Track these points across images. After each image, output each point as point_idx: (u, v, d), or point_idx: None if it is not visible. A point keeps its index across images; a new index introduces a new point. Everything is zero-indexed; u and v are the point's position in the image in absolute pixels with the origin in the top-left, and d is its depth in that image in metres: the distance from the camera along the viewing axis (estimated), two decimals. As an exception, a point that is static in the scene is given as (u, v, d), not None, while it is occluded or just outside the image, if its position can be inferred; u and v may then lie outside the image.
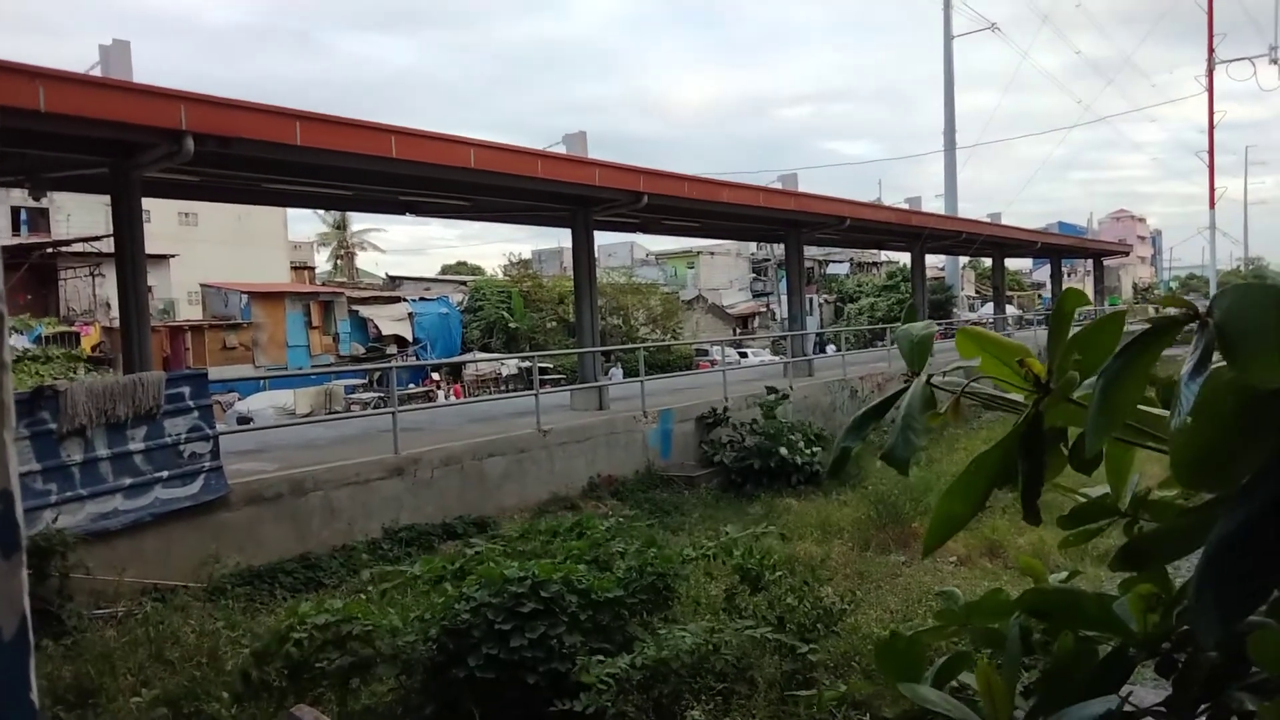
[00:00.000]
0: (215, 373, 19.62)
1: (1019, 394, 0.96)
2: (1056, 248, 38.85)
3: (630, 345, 27.17)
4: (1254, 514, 0.64)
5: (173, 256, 34.50)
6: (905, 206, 27.22)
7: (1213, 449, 0.68)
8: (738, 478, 13.71)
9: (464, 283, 42.24)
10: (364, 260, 58.52)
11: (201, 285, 34.07)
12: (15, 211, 34.63)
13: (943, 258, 44.97)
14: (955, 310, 43.28)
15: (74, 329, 27.65)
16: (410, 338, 33.37)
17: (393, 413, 11.09)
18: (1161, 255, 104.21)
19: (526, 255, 50.03)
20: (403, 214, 16.62)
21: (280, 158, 10.80)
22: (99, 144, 9.73)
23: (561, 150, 14.89)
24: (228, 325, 30.78)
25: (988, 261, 38.98)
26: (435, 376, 28.99)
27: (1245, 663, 0.91)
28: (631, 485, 13.13)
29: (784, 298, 24.61)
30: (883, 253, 48.04)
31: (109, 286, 26.65)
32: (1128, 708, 0.97)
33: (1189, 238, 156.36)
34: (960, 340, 0.99)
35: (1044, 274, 55.49)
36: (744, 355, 31.82)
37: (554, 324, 35.51)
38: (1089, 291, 44.71)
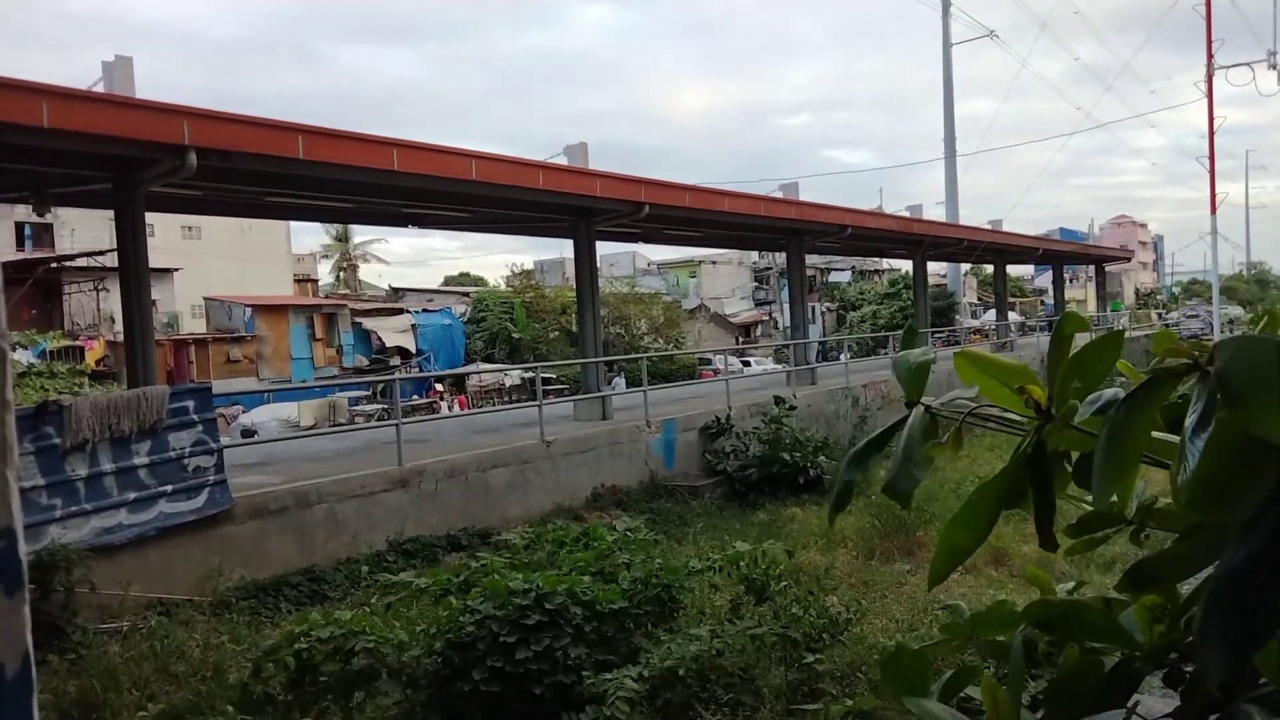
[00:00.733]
0: (219, 386, 19.61)
1: (1020, 416, 0.96)
2: (1058, 254, 38.83)
3: (633, 355, 27.17)
4: (1259, 547, 0.64)
5: (176, 270, 34.60)
6: (906, 214, 27.26)
7: (1215, 484, 0.68)
8: (741, 487, 13.69)
9: (467, 294, 42.31)
10: (367, 272, 58.70)
11: (205, 298, 34.13)
12: (20, 227, 34.76)
13: (944, 265, 44.99)
14: (957, 317, 43.23)
15: (78, 343, 27.69)
16: (414, 349, 33.40)
17: (397, 424, 11.10)
18: (1163, 261, 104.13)
19: (529, 266, 50.13)
20: (405, 226, 16.69)
21: (283, 171, 10.84)
22: (102, 159, 9.77)
23: (562, 161, 14.93)
24: (231, 338, 30.83)
25: (989, 268, 38.97)
26: (439, 388, 29.00)
27: (1254, 673, 0.91)
28: (635, 495, 13.11)
29: (786, 306, 24.61)
30: (885, 260, 48.00)
31: (113, 301, 26.69)
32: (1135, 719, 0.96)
33: (1191, 243, 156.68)
34: (959, 364, 0.98)
35: (1046, 280, 55.43)
36: (747, 364, 31.82)
37: (556, 334, 35.53)
38: (1091, 298, 44.66)
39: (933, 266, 37.05)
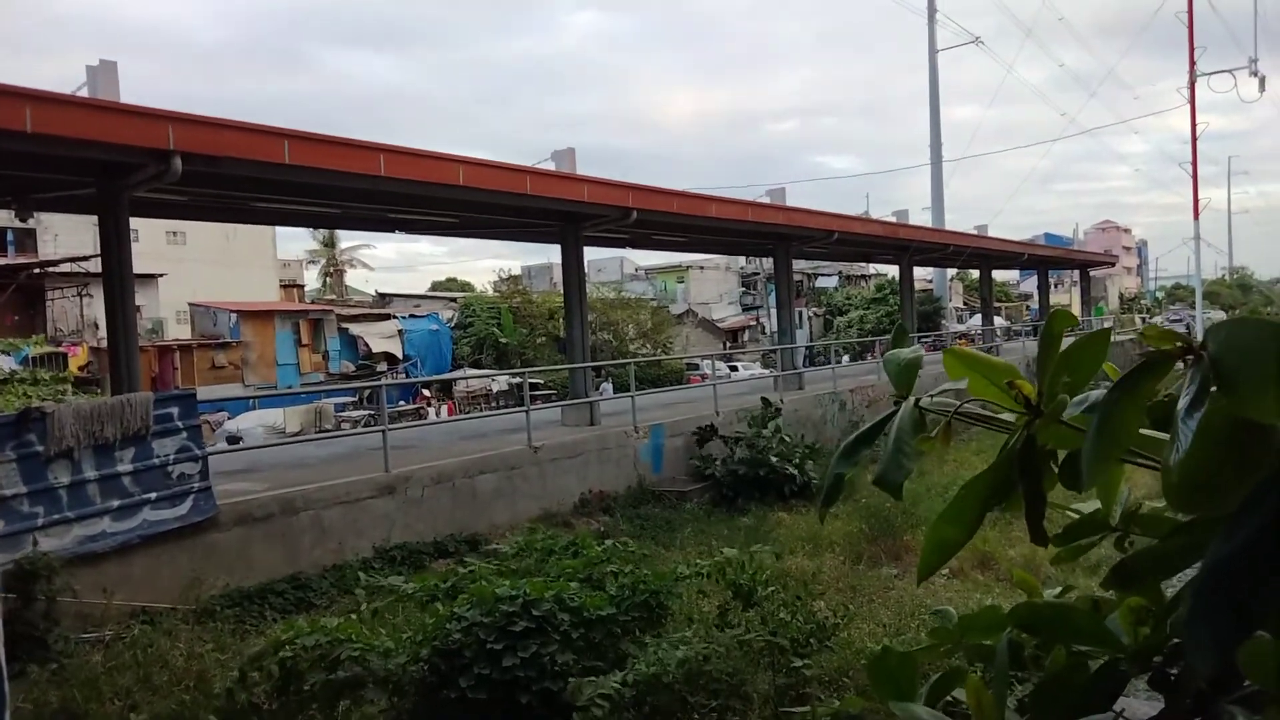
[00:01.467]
0: (204, 392, 19.52)
1: (1009, 414, 0.96)
2: (1043, 259, 39.09)
3: (621, 360, 27.16)
4: (1246, 540, 0.64)
5: (161, 276, 34.33)
6: (893, 219, 27.39)
7: (1205, 472, 0.68)
8: (729, 491, 13.70)
9: (454, 299, 42.15)
10: (353, 278, 58.35)
11: (190, 304, 33.93)
12: (2, 232, 34.45)
13: (931, 270, 45.20)
14: (944, 322, 43.41)
15: (61, 349, 27.44)
16: (400, 355, 33.28)
17: (383, 430, 11.05)
18: (1147, 265, 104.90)
19: (516, 271, 50.09)
20: (392, 231, 16.64)
21: (269, 176, 10.79)
22: (86, 164, 9.70)
23: (550, 167, 14.93)
24: (217, 344, 30.65)
25: (975, 273, 39.17)
26: (426, 393, 28.91)
27: (1237, 675, 0.91)
28: (623, 501, 13.10)
29: (773, 311, 24.68)
30: (871, 265, 48.20)
31: (97, 307, 26.51)
32: (1121, 722, 0.97)
33: (1174, 248, 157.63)
34: (948, 361, 0.99)
35: (1031, 285, 55.77)
36: (734, 369, 31.85)
37: (544, 339, 35.48)
38: (1076, 302, 44.92)
39: (919, 271, 37.25)
